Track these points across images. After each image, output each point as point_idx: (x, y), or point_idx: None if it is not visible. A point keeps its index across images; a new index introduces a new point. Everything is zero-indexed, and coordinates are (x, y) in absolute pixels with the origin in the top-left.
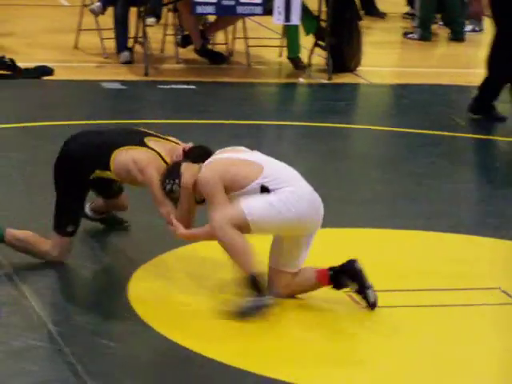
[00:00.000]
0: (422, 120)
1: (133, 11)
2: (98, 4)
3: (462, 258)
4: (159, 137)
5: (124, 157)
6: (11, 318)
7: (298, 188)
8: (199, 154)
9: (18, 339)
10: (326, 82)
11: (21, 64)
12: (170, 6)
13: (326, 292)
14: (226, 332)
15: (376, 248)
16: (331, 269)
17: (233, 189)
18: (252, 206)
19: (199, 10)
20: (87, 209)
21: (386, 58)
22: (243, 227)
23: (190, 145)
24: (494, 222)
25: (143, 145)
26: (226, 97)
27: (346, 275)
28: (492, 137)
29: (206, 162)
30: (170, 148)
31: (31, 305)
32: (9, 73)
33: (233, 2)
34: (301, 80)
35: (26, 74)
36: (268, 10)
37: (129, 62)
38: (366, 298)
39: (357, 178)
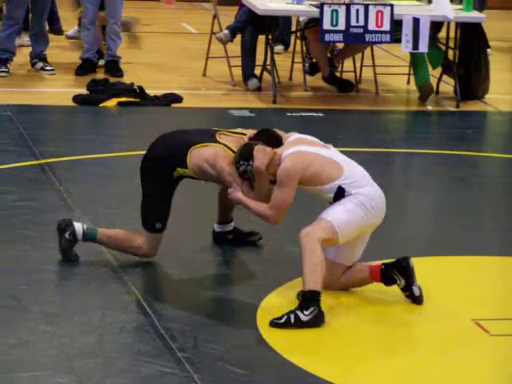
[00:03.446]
0: None
1: (261, 39)
2: (226, 32)
3: None
4: (230, 131)
5: (197, 157)
6: (140, 345)
7: (370, 190)
8: (269, 138)
9: (147, 366)
10: (453, 109)
11: (150, 91)
12: (298, 34)
13: (451, 317)
14: (356, 359)
15: (504, 276)
16: (384, 264)
17: (311, 183)
18: (338, 217)
19: (327, 37)
20: (216, 227)
21: None
22: (332, 239)
23: (254, 132)
24: None
25: (214, 140)
26: (355, 124)
27: (396, 269)
28: None
29: (289, 152)
30: (238, 140)
31: (160, 332)
32: (137, 100)
33: (361, 30)
34: (429, 108)
35: (154, 101)
36: (396, 38)
37: (258, 89)
38: (411, 293)
39: (485, 205)
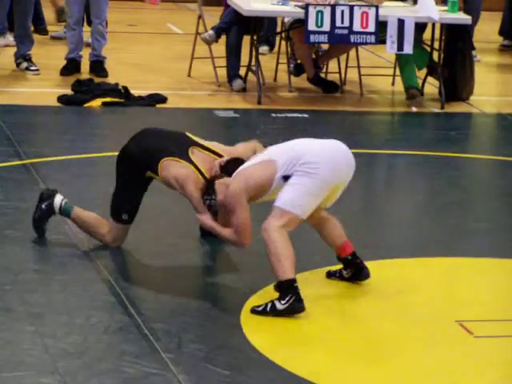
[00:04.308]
0: None
1: (246, 39)
2: (211, 32)
3: None
4: (203, 147)
5: (167, 170)
6: (124, 345)
7: (309, 155)
8: (233, 168)
9: (131, 366)
10: (438, 111)
11: (134, 92)
12: (283, 35)
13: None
14: (341, 360)
15: (488, 277)
16: (352, 254)
17: (261, 193)
18: (285, 199)
19: (312, 38)
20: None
21: (498, 87)
22: (290, 221)
23: (224, 159)
24: None
25: (186, 157)
26: (339, 125)
27: (352, 269)
28: None
29: (232, 177)
30: (209, 161)
31: (144, 332)
32: (122, 100)
33: (346, 31)
34: (413, 109)
35: (139, 101)
36: (381, 39)
37: (243, 90)
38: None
39: (470, 207)
